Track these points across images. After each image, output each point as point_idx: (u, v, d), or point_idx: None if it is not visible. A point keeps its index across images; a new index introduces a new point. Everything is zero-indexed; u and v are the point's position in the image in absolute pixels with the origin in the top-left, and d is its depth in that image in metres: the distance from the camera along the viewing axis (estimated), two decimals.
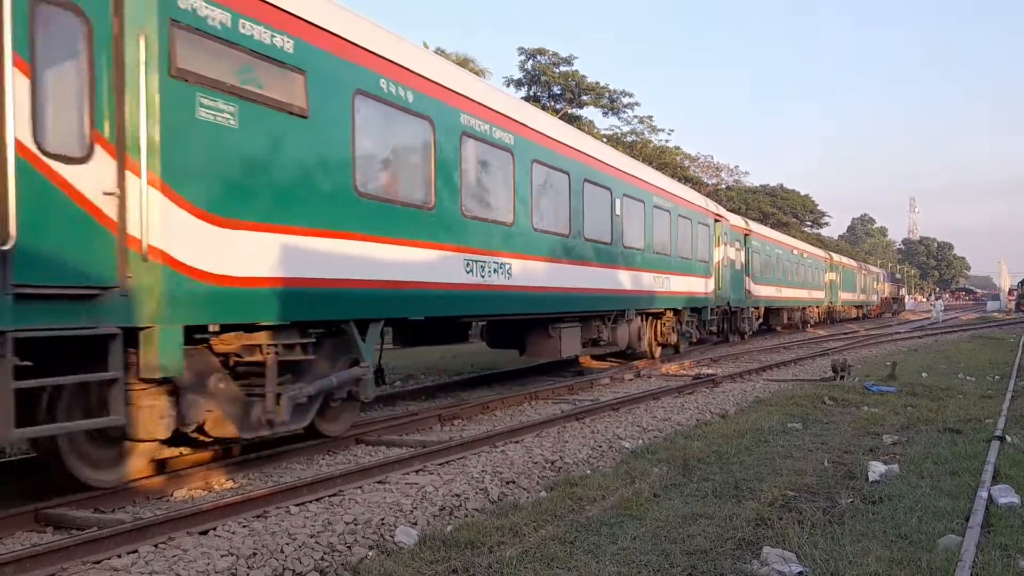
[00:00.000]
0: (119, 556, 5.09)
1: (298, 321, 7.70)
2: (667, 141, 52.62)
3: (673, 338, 19.90)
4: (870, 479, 7.15)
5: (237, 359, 7.30)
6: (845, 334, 35.12)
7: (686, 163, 56.66)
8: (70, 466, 6.39)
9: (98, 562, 5.00)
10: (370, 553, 5.37)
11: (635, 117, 48.48)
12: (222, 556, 5.04)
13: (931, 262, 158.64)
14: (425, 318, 10.46)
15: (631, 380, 15.97)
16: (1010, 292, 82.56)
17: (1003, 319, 51.98)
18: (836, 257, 47.76)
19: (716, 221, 22.96)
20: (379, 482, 7.07)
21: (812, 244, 50.82)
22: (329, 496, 6.60)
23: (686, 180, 47.35)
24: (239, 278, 6.93)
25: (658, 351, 19.26)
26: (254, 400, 7.33)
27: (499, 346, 14.73)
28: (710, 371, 17.14)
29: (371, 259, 8.59)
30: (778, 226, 61.03)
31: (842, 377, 15.03)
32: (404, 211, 9.24)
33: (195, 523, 5.71)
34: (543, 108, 39.46)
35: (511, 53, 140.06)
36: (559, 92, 43.87)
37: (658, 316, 18.93)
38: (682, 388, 13.94)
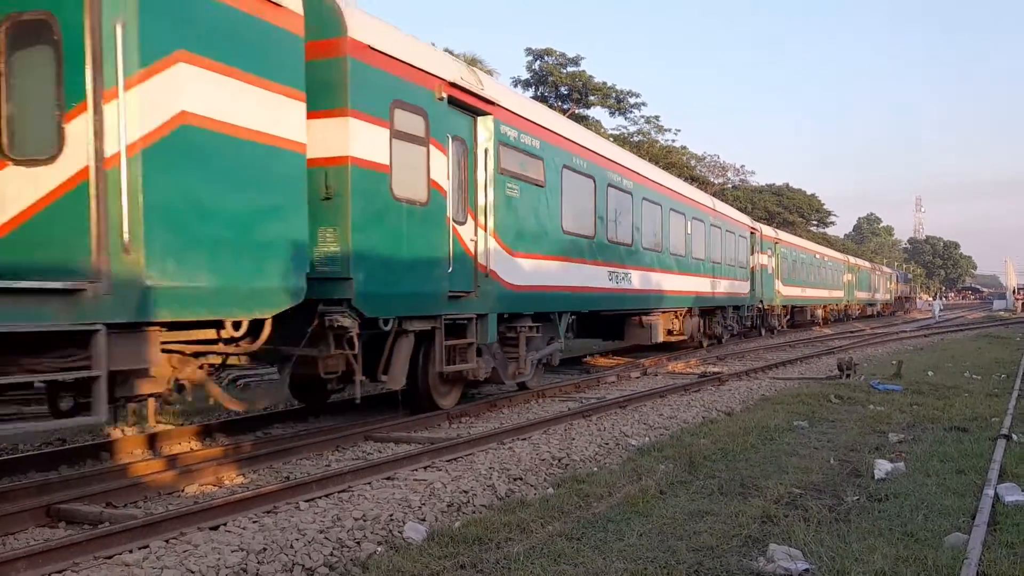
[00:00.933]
0: (130, 551, 5.13)
1: (538, 312, 12.60)
2: (674, 141, 52.64)
3: (719, 331, 24.19)
4: (876, 477, 7.17)
5: (502, 335, 11.76)
6: (851, 332, 35.10)
7: (692, 163, 56.61)
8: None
9: (109, 557, 5.04)
10: (379, 549, 5.41)
11: (642, 117, 48.47)
12: (232, 551, 5.09)
13: (937, 261, 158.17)
14: (588, 311, 15.01)
15: (638, 378, 16.00)
16: (1016, 291, 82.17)
17: (1009, 318, 51.84)
18: (852, 260, 52.51)
19: (752, 233, 28.18)
20: (388, 478, 7.12)
21: (819, 243, 51.07)
22: (338, 492, 6.65)
23: (692, 180, 47.31)
24: (519, 286, 11.82)
25: (706, 342, 23.50)
26: (510, 361, 12.09)
27: (585, 336, 18.48)
28: (716, 369, 17.15)
29: (567, 273, 13.58)
30: (784, 225, 61.02)
31: (848, 375, 15.05)
32: (582, 240, 14.24)
33: (206, 518, 5.75)
34: (550, 107, 39.48)
35: (517, 53, 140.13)
36: (566, 92, 43.86)
37: (711, 313, 23.51)
38: (688, 386, 13.96)
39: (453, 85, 10.16)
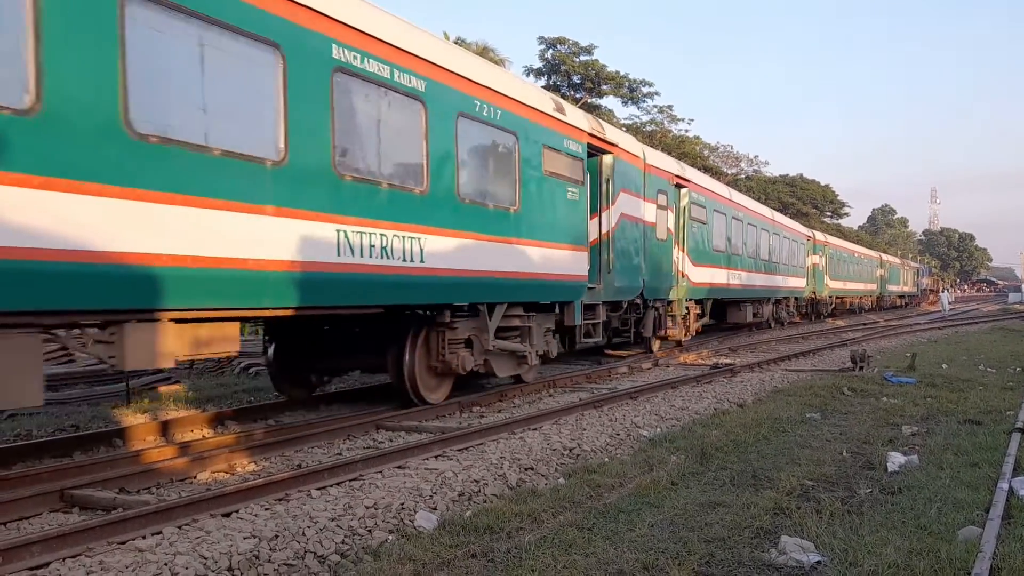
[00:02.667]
0: (143, 537, 5.16)
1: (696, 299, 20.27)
2: (687, 131, 52.42)
3: (783, 316, 30.93)
4: (889, 470, 7.13)
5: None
6: (864, 325, 34.96)
7: (705, 152, 56.36)
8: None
9: (123, 542, 5.08)
10: (390, 537, 5.43)
11: (655, 106, 48.31)
12: (245, 538, 5.11)
13: (952, 253, 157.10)
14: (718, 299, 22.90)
15: (649, 369, 15.97)
16: None
17: None
18: (884, 256, 59.66)
19: (808, 240, 35.67)
20: (399, 467, 7.13)
21: (833, 234, 50.88)
22: (350, 480, 6.67)
23: (706, 170, 47.12)
24: (698, 282, 20.00)
25: (774, 323, 30.02)
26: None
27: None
28: (728, 361, 17.10)
29: (716, 274, 21.70)
30: (797, 216, 60.82)
31: (861, 368, 14.96)
32: (720, 254, 22.40)
33: (218, 505, 5.78)
34: (563, 97, 39.35)
35: (530, 41, 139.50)
36: (579, 81, 43.72)
37: (779, 302, 30.31)
38: (700, 377, 13.92)
39: (676, 175, 18.63)
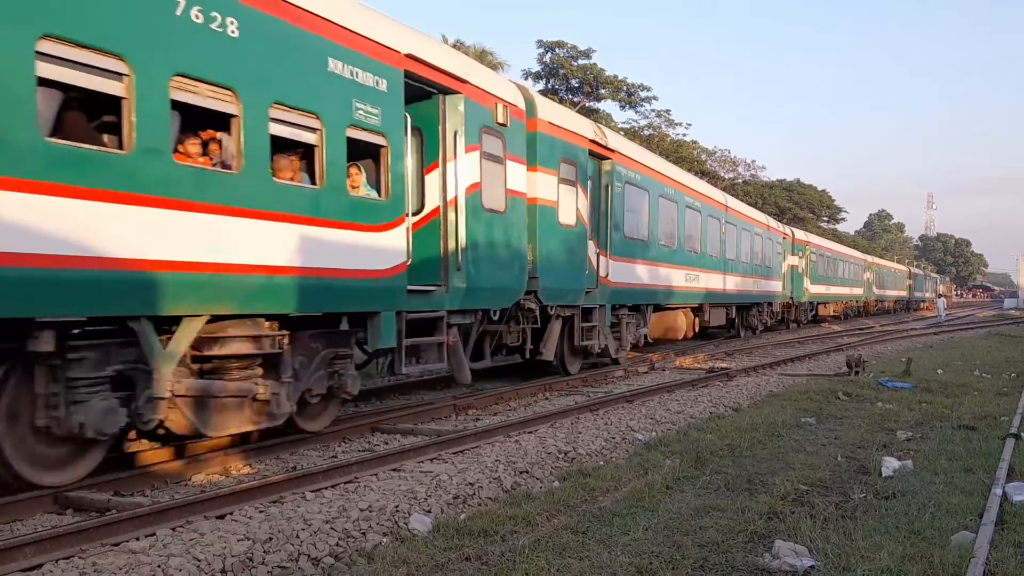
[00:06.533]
0: (137, 539, 5.16)
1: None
2: (684, 135, 52.46)
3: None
4: (883, 475, 7.14)
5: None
6: (860, 330, 35.00)
7: (703, 157, 56.40)
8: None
9: (117, 544, 5.08)
10: (384, 540, 5.42)
11: (652, 111, 48.31)
12: (239, 540, 5.11)
13: (948, 259, 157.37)
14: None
15: (645, 373, 15.98)
16: None
17: (1020, 316, 51.49)
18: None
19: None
20: (394, 470, 7.13)
21: (829, 238, 51.03)
22: (344, 483, 6.67)
23: (703, 174, 47.23)
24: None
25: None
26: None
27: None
28: (724, 365, 17.11)
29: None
30: (794, 221, 60.89)
31: (857, 373, 14.99)
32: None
33: (212, 507, 5.78)
34: (561, 101, 39.40)
35: (528, 45, 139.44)
36: (577, 85, 43.75)
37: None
38: (696, 381, 13.93)
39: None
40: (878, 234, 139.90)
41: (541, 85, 43.33)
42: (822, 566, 4.79)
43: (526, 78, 43.26)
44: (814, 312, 38.86)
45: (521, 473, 7.27)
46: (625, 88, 45.01)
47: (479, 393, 12.04)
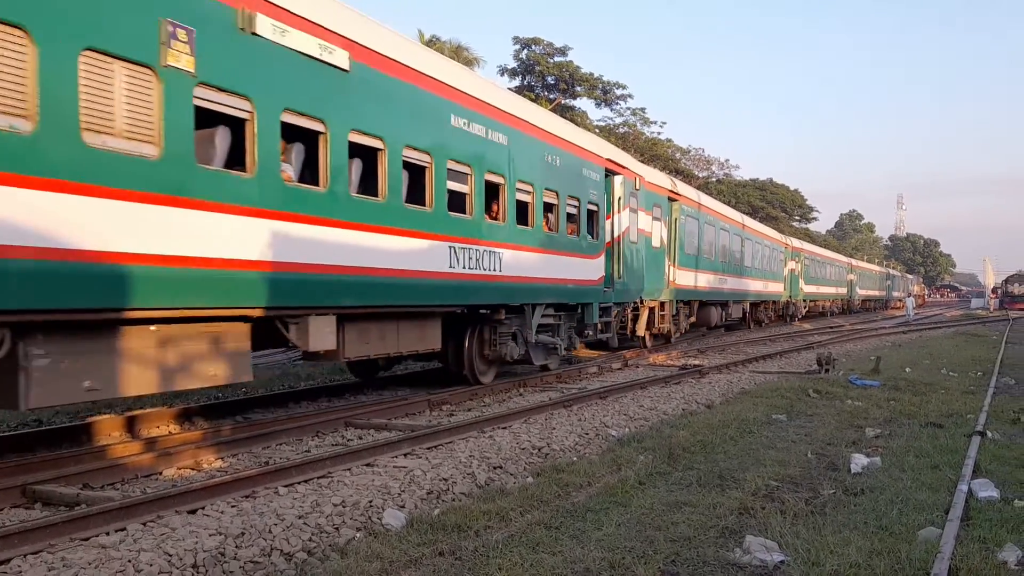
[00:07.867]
0: (107, 534, 5.11)
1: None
2: (659, 134, 52.70)
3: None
4: (852, 471, 7.23)
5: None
6: (831, 328, 35.40)
7: (677, 155, 56.68)
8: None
9: (86, 539, 5.02)
10: (358, 535, 5.41)
11: (628, 109, 48.45)
12: (210, 535, 5.07)
13: (917, 259, 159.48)
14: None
15: (619, 369, 16.06)
16: (993, 291, 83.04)
17: (986, 316, 52.34)
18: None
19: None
20: (367, 465, 7.12)
21: (802, 238, 51.55)
22: (318, 478, 6.64)
23: (677, 172, 47.42)
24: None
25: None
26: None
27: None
28: (697, 362, 17.24)
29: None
30: (767, 220, 61.45)
31: (827, 370, 15.17)
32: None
33: (184, 502, 5.74)
34: (536, 98, 39.41)
35: (504, 41, 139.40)
36: (553, 82, 43.76)
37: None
38: (669, 378, 14.02)
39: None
40: (849, 234, 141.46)
41: (517, 82, 43.31)
42: (792, 561, 4.84)
43: (502, 74, 43.26)
44: (807, 308, 44.81)
45: (495, 469, 7.29)
46: (601, 86, 45.10)
47: (453, 389, 12.03)
